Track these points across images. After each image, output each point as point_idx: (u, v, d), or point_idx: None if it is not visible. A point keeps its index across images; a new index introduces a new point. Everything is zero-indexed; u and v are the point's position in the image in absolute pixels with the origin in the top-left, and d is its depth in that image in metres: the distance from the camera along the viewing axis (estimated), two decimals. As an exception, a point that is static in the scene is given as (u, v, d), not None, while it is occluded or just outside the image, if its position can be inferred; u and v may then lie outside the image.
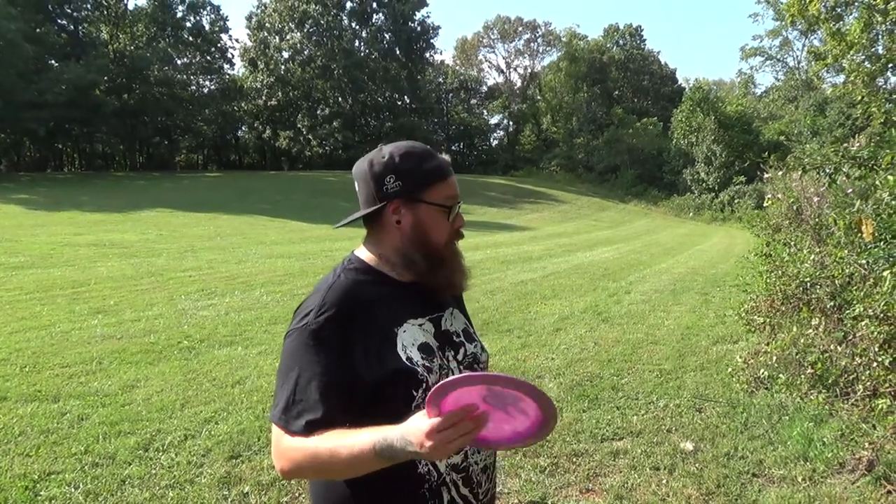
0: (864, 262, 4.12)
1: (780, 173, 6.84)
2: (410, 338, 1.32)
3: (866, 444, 3.67)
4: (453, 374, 1.34)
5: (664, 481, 3.55)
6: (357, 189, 1.40)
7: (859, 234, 4.01)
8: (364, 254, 1.41)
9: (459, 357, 1.39)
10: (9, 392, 4.90)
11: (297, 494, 3.39)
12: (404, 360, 1.29)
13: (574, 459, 3.84)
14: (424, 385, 1.28)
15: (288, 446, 1.23)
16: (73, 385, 5.11)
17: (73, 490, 3.39)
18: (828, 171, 4.16)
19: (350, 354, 1.26)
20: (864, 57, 17.47)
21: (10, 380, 5.21)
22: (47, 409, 4.54)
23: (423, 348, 1.33)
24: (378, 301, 1.33)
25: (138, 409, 4.59)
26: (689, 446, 4.01)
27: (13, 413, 4.48)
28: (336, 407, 1.22)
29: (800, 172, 5.00)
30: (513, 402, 1.15)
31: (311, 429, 1.21)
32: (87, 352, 6.06)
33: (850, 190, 5.27)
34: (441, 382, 1.10)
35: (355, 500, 1.31)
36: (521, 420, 1.17)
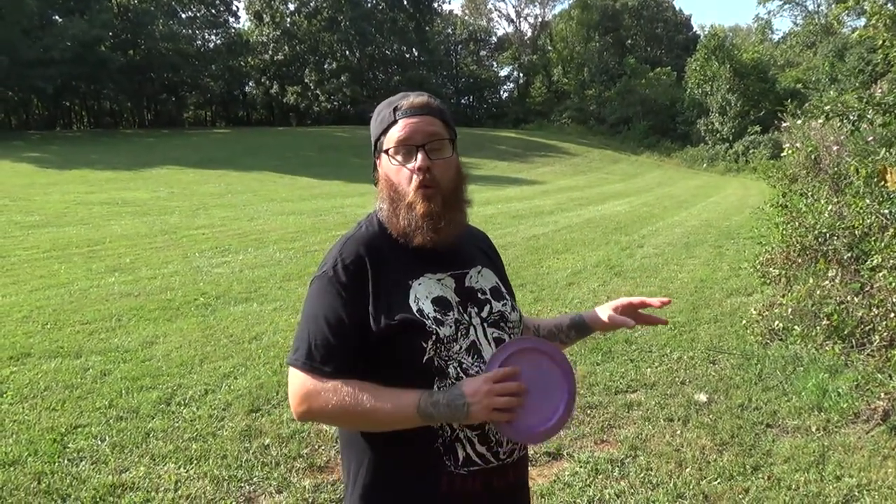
0: (886, 211, 4.06)
1: (798, 122, 6.70)
2: (425, 290, 1.33)
3: (882, 394, 3.68)
4: (475, 330, 1.34)
5: (678, 432, 3.59)
6: None
7: (883, 184, 3.94)
8: (377, 212, 1.44)
9: (484, 314, 1.37)
10: (32, 348, 5.00)
11: (316, 446, 3.46)
12: (414, 311, 1.30)
13: (588, 411, 3.88)
14: (434, 337, 1.28)
15: (314, 389, 1.25)
16: (94, 341, 5.21)
17: (99, 442, 3.48)
18: (851, 118, 4.06)
19: (365, 301, 1.30)
20: (887, -1, 16.85)
21: (32, 336, 5.31)
22: (70, 365, 4.64)
23: (438, 301, 1.32)
24: (396, 253, 1.34)
25: (158, 365, 4.67)
26: (702, 398, 4.04)
27: (38, 369, 4.58)
28: (356, 350, 1.28)
29: (821, 121, 4.88)
30: (544, 389, 1.28)
31: (337, 373, 1.26)
32: (107, 309, 6.15)
33: (870, 138, 5.16)
34: (503, 345, 1.28)
35: (379, 452, 1.33)
36: (544, 410, 1.28)
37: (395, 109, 1.37)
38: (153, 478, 3.15)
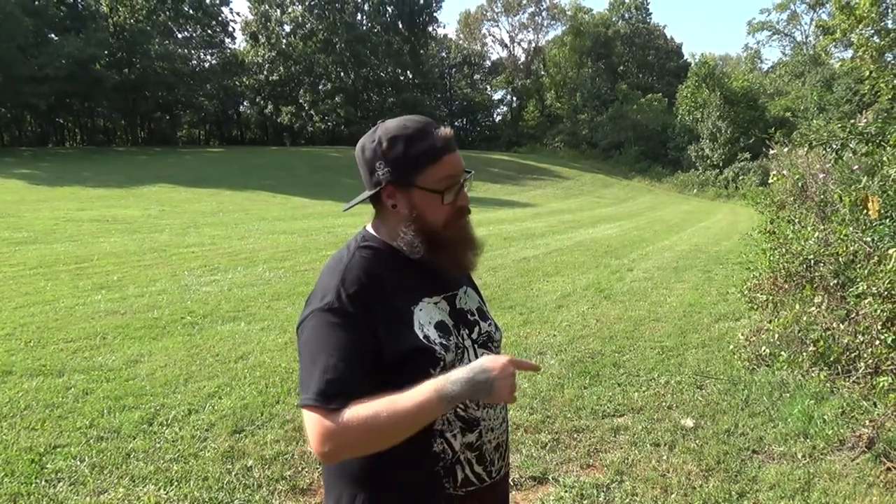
0: (869, 239, 4.10)
1: (785, 149, 6.78)
2: (427, 316, 1.32)
3: (867, 422, 3.68)
4: (468, 353, 1.34)
5: (664, 457, 3.57)
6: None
7: (865, 211, 3.98)
8: (375, 231, 1.40)
9: (474, 336, 1.38)
10: (14, 366, 4.93)
11: (299, 468, 3.42)
12: (421, 338, 1.28)
13: (575, 435, 3.86)
14: (442, 364, 1.27)
15: (333, 425, 1.16)
16: (77, 360, 5.14)
17: (78, 463, 3.43)
18: (834, 147, 4.12)
19: (374, 329, 1.25)
20: (873, 31, 17.18)
21: (15, 354, 5.24)
22: (52, 384, 4.57)
23: (440, 326, 1.32)
24: (394, 279, 1.32)
25: (142, 384, 4.62)
26: (689, 423, 4.03)
27: (18, 387, 4.51)
28: (372, 381, 1.22)
29: (806, 149, 4.95)
30: None
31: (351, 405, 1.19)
32: (91, 327, 6.09)
33: (856, 167, 5.22)
34: None
35: (371, 479, 1.30)
36: None
37: (438, 143, 1.32)
38: (132, 499, 3.09)
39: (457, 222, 1.36)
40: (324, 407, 1.17)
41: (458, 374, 1.17)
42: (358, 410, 1.16)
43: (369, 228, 1.41)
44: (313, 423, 1.18)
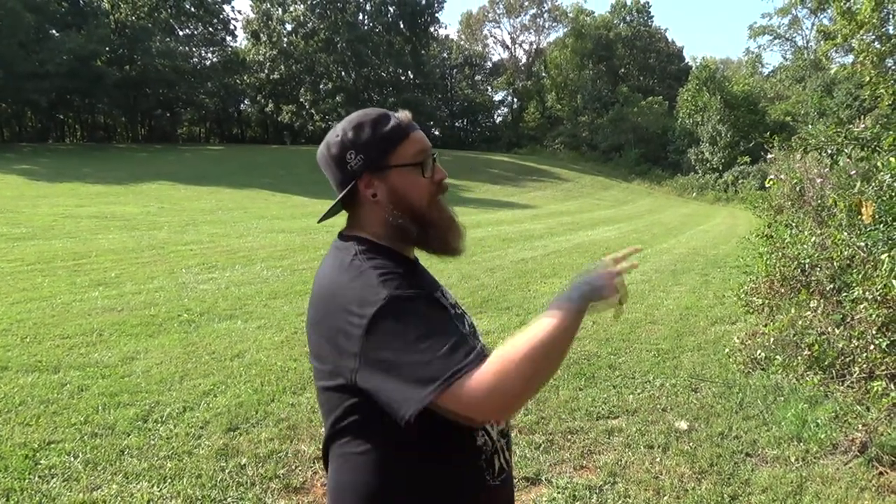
0: (863, 244, 4.11)
1: (783, 153, 6.80)
2: (447, 302, 1.35)
3: (860, 426, 3.69)
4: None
5: (658, 459, 3.58)
6: (328, 178, 1.35)
7: (860, 216, 3.99)
8: (362, 235, 1.32)
9: (466, 327, 1.37)
10: (10, 362, 4.93)
11: (293, 467, 3.42)
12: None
13: (569, 437, 3.87)
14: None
15: (492, 376, 1.07)
16: (73, 356, 5.15)
17: (72, 459, 3.43)
18: (830, 151, 4.13)
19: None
20: (874, 37, 17.20)
21: (10, 350, 5.24)
22: (48, 380, 4.58)
23: (458, 318, 1.34)
24: (408, 275, 1.27)
25: (137, 381, 4.62)
26: (683, 425, 4.03)
27: (14, 383, 4.51)
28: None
29: (800, 154, 4.96)
30: None
31: (482, 354, 1.13)
32: (88, 323, 6.09)
33: (853, 171, 5.23)
34: None
35: (420, 480, 1.23)
36: None
37: (400, 123, 1.30)
38: (125, 496, 3.10)
39: (439, 201, 1.33)
40: (464, 374, 1.08)
41: (571, 291, 1.21)
42: (503, 353, 1.09)
43: (352, 234, 1.34)
44: (466, 392, 1.07)
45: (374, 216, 1.31)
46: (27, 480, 3.19)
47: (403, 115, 1.32)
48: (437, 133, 54.36)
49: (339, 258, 1.28)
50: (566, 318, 1.14)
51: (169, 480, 3.25)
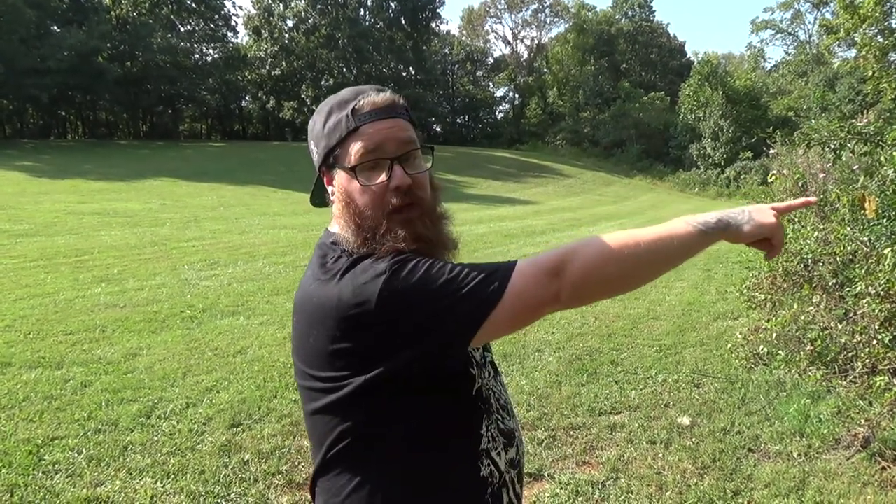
0: (866, 239, 4.10)
1: (785, 149, 6.78)
2: None
3: (862, 421, 3.69)
4: None
5: (660, 455, 3.58)
6: None
7: (862, 211, 3.98)
8: (338, 233, 1.14)
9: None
10: (13, 358, 4.95)
11: (296, 463, 3.43)
12: None
13: (571, 433, 3.87)
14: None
15: (590, 252, 1.00)
16: (76, 352, 5.16)
17: (76, 455, 3.44)
18: (833, 146, 4.11)
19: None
20: (876, 31, 17.14)
21: (14, 346, 5.26)
22: (51, 376, 4.59)
23: None
24: None
25: (140, 377, 4.63)
26: (685, 421, 4.03)
27: (17, 379, 4.53)
28: None
29: (804, 148, 4.95)
30: None
31: None
32: (91, 320, 6.11)
33: (856, 166, 5.21)
34: None
35: None
36: None
37: (353, 112, 1.09)
38: (129, 492, 3.11)
39: (399, 213, 1.08)
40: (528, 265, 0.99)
41: (716, 213, 1.10)
42: (606, 237, 1.02)
43: (337, 237, 1.14)
44: (531, 267, 1.00)
45: (342, 218, 1.13)
46: (31, 476, 3.21)
47: (371, 97, 1.10)
48: (438, 129, 54.34)
49: (321, 259, 1.13)
50: (691, 234, 1.06)
51: (172, 476, 3.26)
